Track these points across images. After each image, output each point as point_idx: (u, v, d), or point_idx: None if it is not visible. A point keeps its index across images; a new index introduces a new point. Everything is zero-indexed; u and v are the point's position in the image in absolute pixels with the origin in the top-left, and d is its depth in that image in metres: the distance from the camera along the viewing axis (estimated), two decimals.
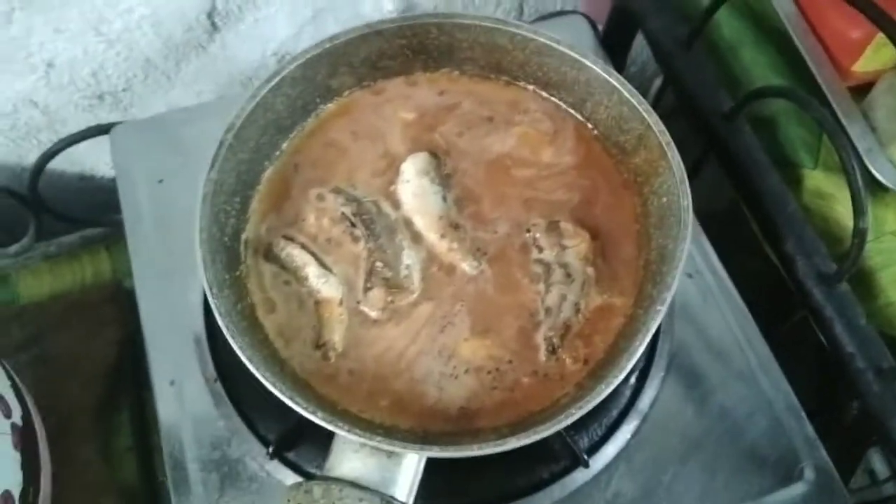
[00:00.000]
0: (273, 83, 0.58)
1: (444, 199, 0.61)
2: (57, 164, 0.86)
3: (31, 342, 0.68)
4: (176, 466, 0.56)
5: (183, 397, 0.59)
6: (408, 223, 0.60)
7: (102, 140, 0.74)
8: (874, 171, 0.67)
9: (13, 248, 0.78)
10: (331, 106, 0.64)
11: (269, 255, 0.58)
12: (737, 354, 0.62)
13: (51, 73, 0.77)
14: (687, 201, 0.54)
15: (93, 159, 0.87)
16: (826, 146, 0.71)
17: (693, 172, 0.75)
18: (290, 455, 0.57)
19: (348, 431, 0.46)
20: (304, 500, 0.46)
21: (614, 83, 0.60)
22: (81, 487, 0.62)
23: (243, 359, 0.48)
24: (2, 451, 0.55)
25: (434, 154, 0.62)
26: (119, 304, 0.71)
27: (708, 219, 0.69)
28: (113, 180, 0.70)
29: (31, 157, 0.81)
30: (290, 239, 0.58)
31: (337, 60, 0.62)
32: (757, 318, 0.65)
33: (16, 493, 0.54)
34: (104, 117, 0.83)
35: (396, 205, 0.61)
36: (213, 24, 0.79)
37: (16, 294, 0.74)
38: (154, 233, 0.65)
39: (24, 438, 0.58)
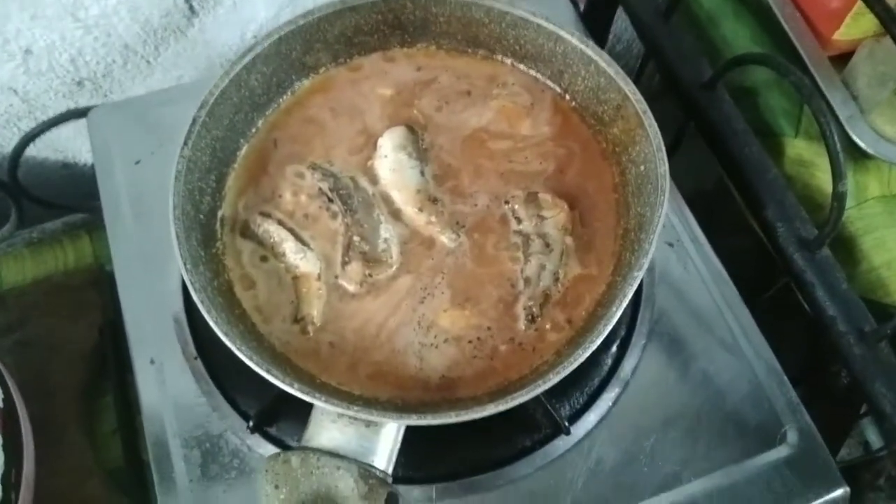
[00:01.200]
0: (246, 60, 0.58)
1: (422, 173, 0.61)
2: (39, 151, 0.86)
3: (14, 327, 0.68)
4: (157, 444, 0.56)
5: (164, 376, 0.59)
6: (386, 198, 0.60)
7: (84, 127, 0.73)
8: (855, 138, 0.68)
9: None
10: (307, 83, 0.64)
11: (247, 231, 0.58)
12: (718, 321, 0.62)
13: (29, 60, 0.76)
14: (664, 168, 0.54)
15: (74, 146, 0.87)
16: (807, 115, 0.71)
17: (673, 146, 0.75)
18: (271, 429, 0.57)
19: (325, 402, 0.46)
20: (282, 470, 0.46)
21: (591, 54, 0.59)
22: (65, 470, 0.62)
23: (219, 333, 0.48)
24: None
25: (411, 128, 0.62)
26: (101, 288, 0.71)
27: (693, 198, 0.69)
28: (94, 167, 0.70)
29: (11, 145, 0.80)
30: (267, 215, 0.58)
31: (312, 37, 0.62)
32: (739, 287, 0.64)
33: None
34: (84, 103, 0.82)
35: (374, 180, 0.61)
36: (192, 8, 0.79)
37: None
38: (132, 214, 0.65)
39: (7, 421, 0.58)
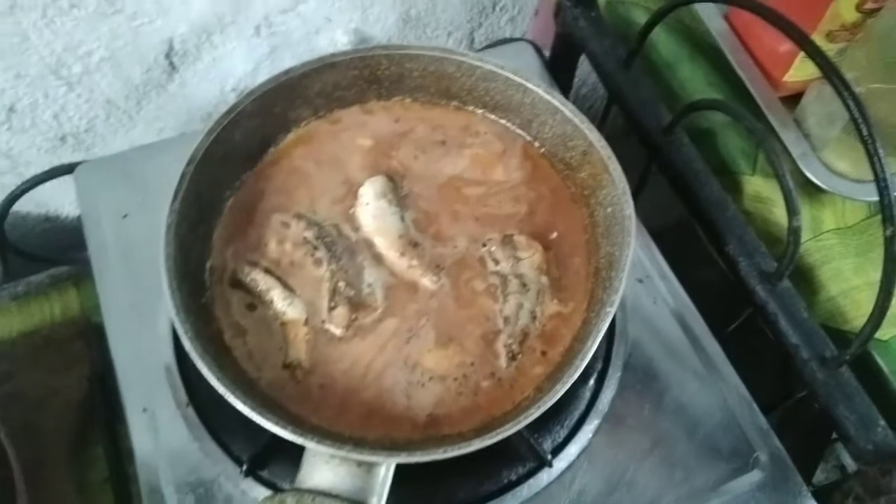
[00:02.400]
0: (230, 118, 0.60)
1: (402, 219, 0.63)
2: (22, 206, 0.87)
3: (3, 380, 0.68)
4: (152, 492, 0.57)
5: (156, 424, 0.60)
6: (369, 244, 0.62)
7: (66, 181, 0.75)
8: (809, 174, 0.71)
9: None
10: (290, 136, 0.67)
11: (234, 280, 0.59)
12: (688, 352, 0.65)
13: (13, 118, 0.78)
14: (630, 210, 0.57)
15: (57, 200, 0.88)
16: (763, 153, 0.75)
17: (639, 186, 0.79)
18: (264, 473, 0.58)
19: (318, 443, 0.48)
20: None
21: (556, 104, 0.63)
22: None
23: (212, 380, 0.49)
24: None
25: (391, 177, 0.65)
26: (89, 340, 0.72)
27: (661, 233, 0.73)
28: (78, 219, 0.71)
29: None
30: (255, 264, 0.60)
31: (293, 93, 0.64)
32: (708, 319, 0.68)
33: None
34: (67, 158, 0.84)
35: (356, 227, 0.63)
36: (172, 64, 0.81)
37: None
38: (120, 267, 0.67)
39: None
